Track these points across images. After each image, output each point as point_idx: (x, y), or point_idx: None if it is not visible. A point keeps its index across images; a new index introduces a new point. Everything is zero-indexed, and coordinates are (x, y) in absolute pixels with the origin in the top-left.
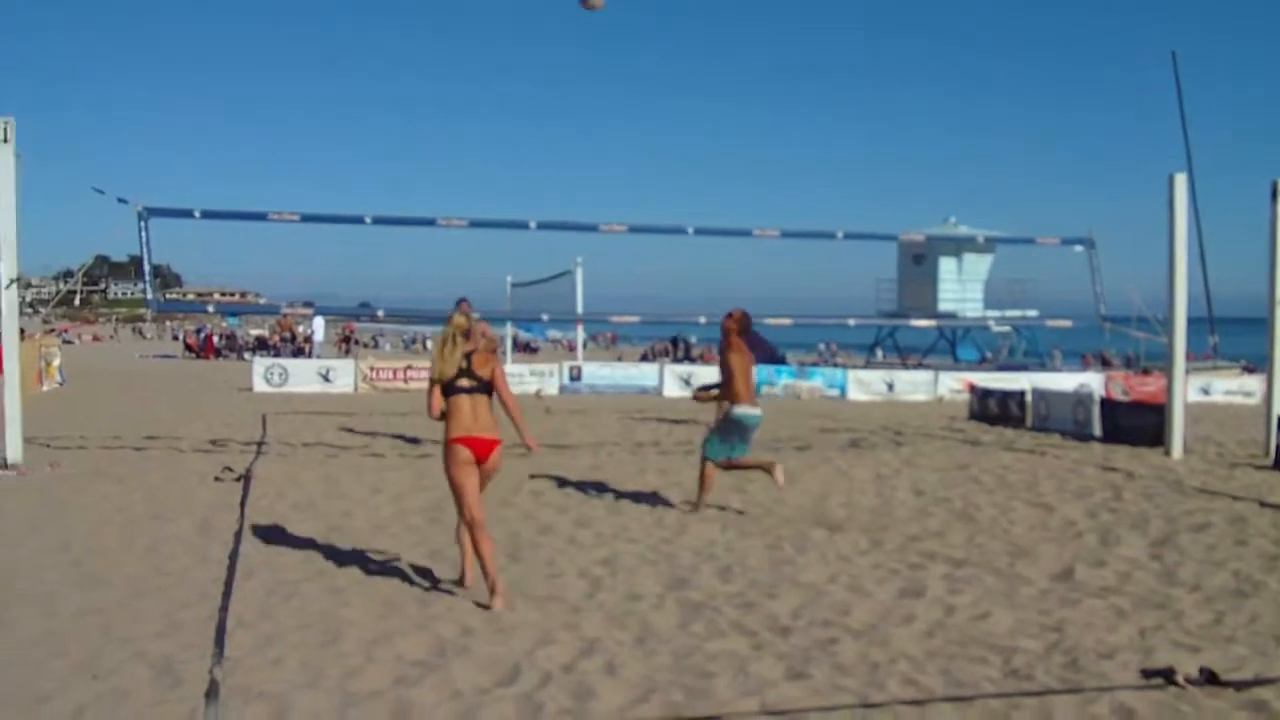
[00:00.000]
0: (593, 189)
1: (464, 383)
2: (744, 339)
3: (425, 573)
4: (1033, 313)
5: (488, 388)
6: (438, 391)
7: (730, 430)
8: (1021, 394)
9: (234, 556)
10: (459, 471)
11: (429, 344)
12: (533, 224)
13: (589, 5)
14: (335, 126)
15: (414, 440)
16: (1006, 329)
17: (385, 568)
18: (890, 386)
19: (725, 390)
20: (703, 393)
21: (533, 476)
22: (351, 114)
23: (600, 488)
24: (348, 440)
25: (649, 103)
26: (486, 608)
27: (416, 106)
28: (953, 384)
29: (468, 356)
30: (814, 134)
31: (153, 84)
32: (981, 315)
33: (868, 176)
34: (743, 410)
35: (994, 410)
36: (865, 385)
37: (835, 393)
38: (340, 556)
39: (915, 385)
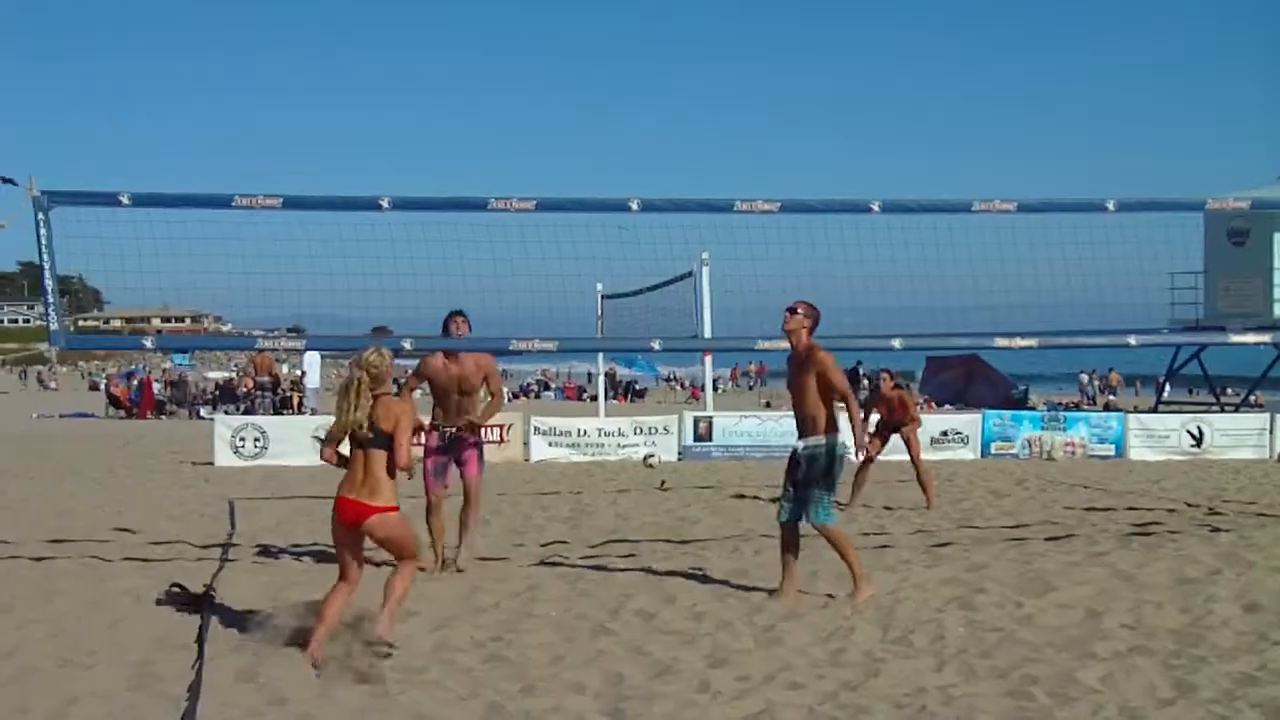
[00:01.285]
0: (726, 151)
1: (362, 434)
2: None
3: None
4: None
5: (386, 442)
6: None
7: (837, 470)
8: None
9: None
10: (335, 533)
11: None
12: (635, 203)
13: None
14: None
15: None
16: None
17: None
18: (1197, 439)
19: (811, 414)
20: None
21: (651, 572)
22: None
23: (746, 604)
24: None
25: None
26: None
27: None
28: None
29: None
30: (1063, 63)
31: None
32: None
33: (1153, 119)
34: (839, 439)
35: None
36: (1156, 437)
37: (1108, 450)
38: (352, 718)
39: (1238, 435)
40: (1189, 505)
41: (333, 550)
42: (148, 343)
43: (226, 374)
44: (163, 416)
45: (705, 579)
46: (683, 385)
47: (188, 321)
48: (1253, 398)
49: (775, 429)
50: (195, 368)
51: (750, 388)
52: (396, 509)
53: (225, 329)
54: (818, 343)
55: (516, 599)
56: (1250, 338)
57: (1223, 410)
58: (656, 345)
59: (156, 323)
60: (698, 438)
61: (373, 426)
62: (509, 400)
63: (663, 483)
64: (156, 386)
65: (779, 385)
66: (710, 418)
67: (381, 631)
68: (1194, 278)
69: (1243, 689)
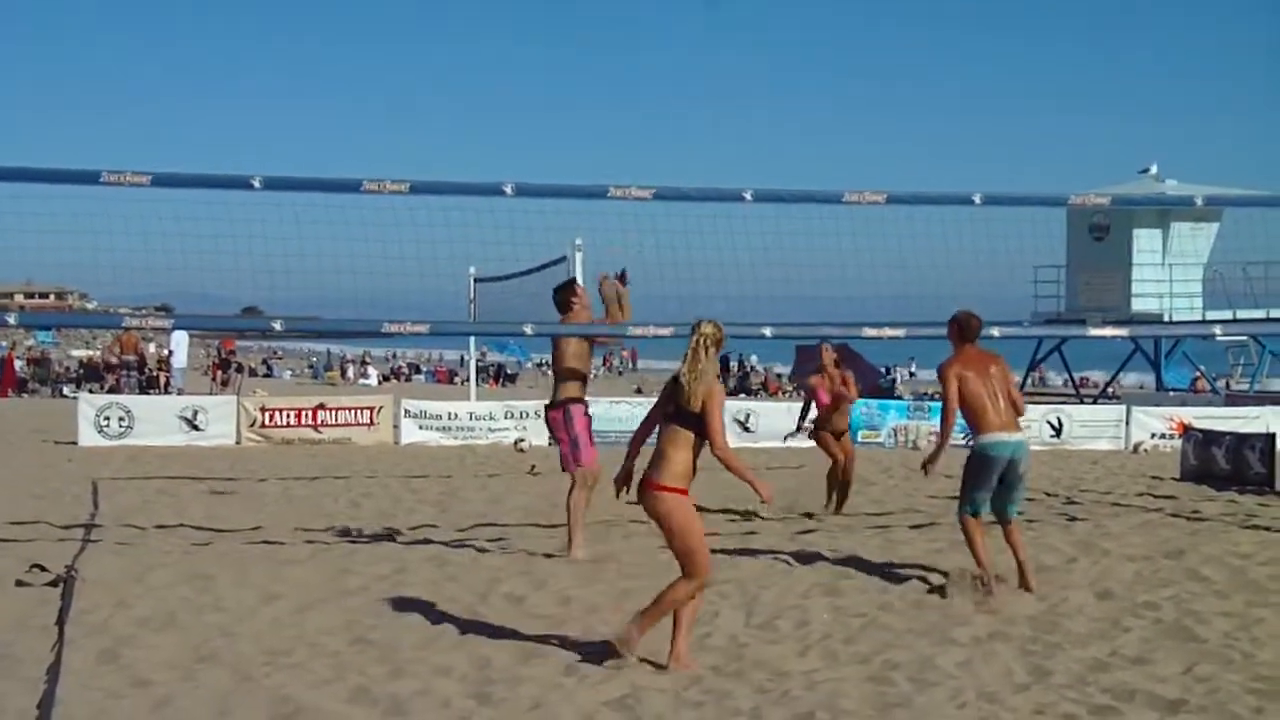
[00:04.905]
0: (601, 140)
1: (669, 408)
2: (968, 347)
3: None
4: None
5: (690, 420)
6: (655, 412)
7: (975, 471)
8: (1268, 440)
9: (46, 705)
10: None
11: (350, 371)
12: (509, 188)
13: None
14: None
15: (342, 530)
16: (1241, 338)
17: (283, 716)
18: (1057, 429)
19: (965, 419)
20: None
21: (520, 556)
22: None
23: (614, 589)
24: (226, 519)
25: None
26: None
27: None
28: (1156, 424)
29: (687, 381)
30: (935, 55)
31: None
32: (1201, 318)
33: (1021, 115)
34: (986, 439)
35: (1222, 465)
36: None
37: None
38: (215, 700)
39: (1096, 426)
40: (1047, 494)
41: (198, 529)
42: (10, 319)
43: (91, 353)
44: (25, 395)
45: (575, 563)
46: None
47: (52, 298)
48: (1112, 389)
49: (645, 415)
50: (60, 345)
51: (622, 373)
52: (683, 492)
53: (91, 306)
54: (956, 352)
55: (385, 582)
56: (1108, 331)
57: (1081, 401)
58: (529, 330)
59: (19, 299)
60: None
61: (679, 402)
62: (378, 384)
63: (533, 467)
64: (19, 364)
65: (649, 372)
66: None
67: (681, 663)
68: (1056, 271)
69: (1094, 674)
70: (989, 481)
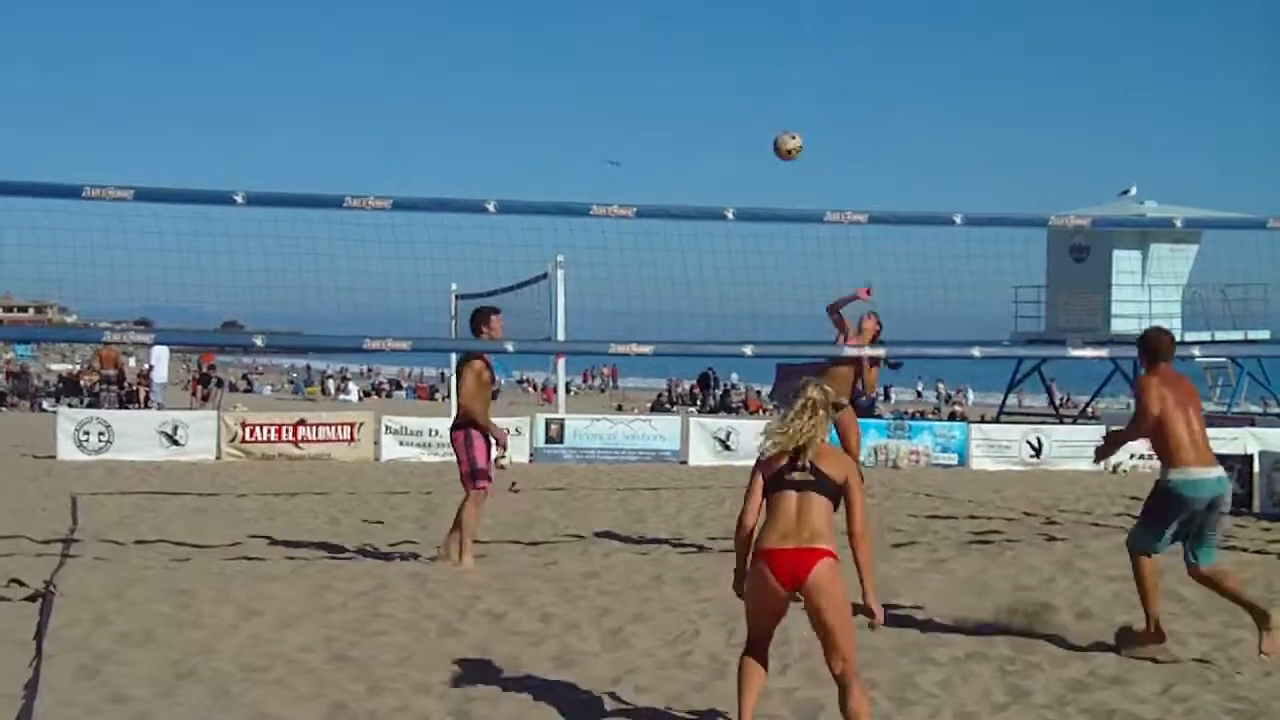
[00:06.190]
0: (577, 158)
1: (795, 475)
2: (1162, 366)
3: None
4: (1261, 334)
5: (831, 489)
6: (759, 486)
7: (1161, 506)
8: (1244, 461)
9: None
10: (752, 597)
11: (331, 385)
12: (491, 205)
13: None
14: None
15: (322, 546)
16: (1219, 360)
17: None
18: (1036, 449)
19: (1155, 446)
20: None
21: (500, 573)
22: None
23: (593, 608)
24: (207, 534)
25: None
26: None
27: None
28: (1135, 445)
29: (803, 446)
30: (917, 75)
31: None
32: (1179, 339)
33: (1001, 136)
34: (1180, 475)
35: None
36: (997, 447)
37: (951, 459)
38: (194, 717)
39: (1076, 446)
40: (1027, 514)
41: (178, 545)
42: None
43: (70, 366)
44: (3, 409)
45: (554, 581)
46: (535, 387)
47: (31, 311)
48: (1091, 409)
49: (627, 431)
50: (38, 359)
51: (603, 390)
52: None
53: (70, 320)
54: (1152, 370)
55: (364, 598)
56: (1088, 352)
57: (1061, 422)
58: (510, 347)
59: None
60: (549, 440)
61: (815, 469)
62: (359, 399)
63: (513, 484)
64: None
65: (630, 389)
66: (562, 420)
67: None
68: (1036, 291)
69: (1073, 694)
70: (1174, 521)
